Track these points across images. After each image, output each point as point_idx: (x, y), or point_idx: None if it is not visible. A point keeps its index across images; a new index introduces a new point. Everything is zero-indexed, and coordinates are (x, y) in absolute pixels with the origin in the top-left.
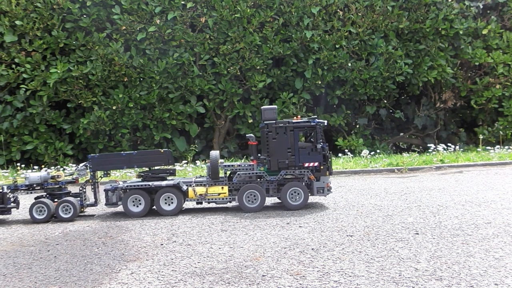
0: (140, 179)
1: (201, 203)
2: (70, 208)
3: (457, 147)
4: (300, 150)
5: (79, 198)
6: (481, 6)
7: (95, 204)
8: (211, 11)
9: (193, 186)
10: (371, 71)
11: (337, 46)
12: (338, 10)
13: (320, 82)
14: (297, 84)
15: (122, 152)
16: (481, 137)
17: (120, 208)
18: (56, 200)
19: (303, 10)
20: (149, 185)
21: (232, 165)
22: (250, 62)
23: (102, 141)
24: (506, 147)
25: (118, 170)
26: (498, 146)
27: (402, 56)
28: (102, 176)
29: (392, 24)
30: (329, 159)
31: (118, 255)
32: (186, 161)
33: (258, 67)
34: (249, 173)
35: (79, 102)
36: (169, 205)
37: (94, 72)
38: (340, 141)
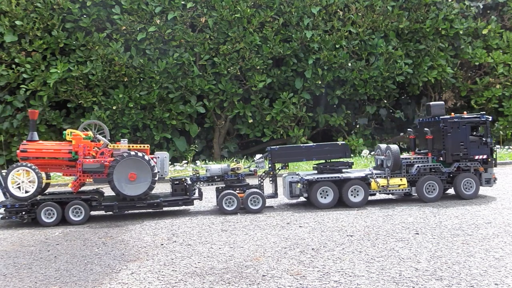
0: (315, 171)
1: (374, 194)
2: (259, 200)
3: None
4: (471, 143)
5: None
6: (481, 6)
7: (275, 195)
8: (211, 11)
9: (375, 178)
10: (371, 71)
11: (337, 46)
12: (338, 10)
13: (320, 82)
14: (297, 84)
15: (302, 144)
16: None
17: (297, 200)
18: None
19: (303, 10)
20: (338, 177)
21: (409, 158)
22: (250, 62)
23: None
24: (506, 147)
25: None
26: (498, 146)
27: (402, 56)
28: (280, 168)
29: (392, 24)
30: (495, 152)
31: (118, 255)
32: (186, 161)
33: (258, 67)
34: (426, 165)
35: (79, 102)
36: (354, 197)
37: (94, 72)
38: (340, 141)
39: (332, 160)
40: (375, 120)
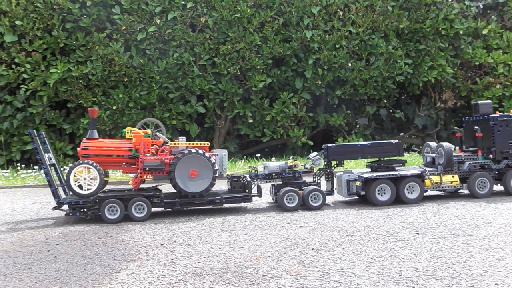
0: (369, 169)
1: (426, 191)
2: (319, 197)
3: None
4: None
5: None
6: (481, 6)
7: (332, 193)
8: (211, 11)
9: (428, 175)
10: (371, 71)
11: (337, 46)
12: (338, 10)
13: (320, 82)
14: (297, 84)
15: (357, 143)
16: None
17: (350, 198)
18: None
19: (303, 10)
20: (395, 174)
21: (460, 155)
22: (250, 62)
23: None
24: None
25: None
26: None
27: (402, 56)
28: (335, 166)
29: (392, 24)
30: None
31: (119, 255)
32: None
33: (258, 67)
34: (476, 163)
35: (79, 102)
36: (410, 193)
37: (94, 72)
38: (340, 141)
39: (385, 158)
40: (375, 120)
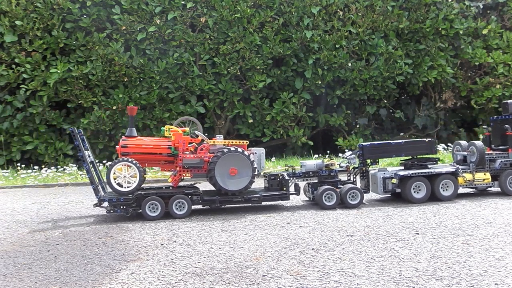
0: (402, 167)
1: (458, 188)
2: (357, 195)
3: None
4: None
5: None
6: (481, 6)
7: (367, 191)
8: (211, 11)
9: (461, 173)
10: (371, 71)
11: (337, 46)
12: (338, 10)
13: (320, 82)
14: (297, 84)
15: (391, 141)
16: (481, 137)
17: (382, 196)
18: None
19: (303, 10)
20: (431, 172)
21: (491, 154)
22: (250, 62)
23: (102, 141)
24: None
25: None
26: None
27: (402, 56)
28: (370, 164)
29: (392, 24)
30: None
31: (119, 255)
32: None
33: (258, 67)
34: (507, 160)
35: (79, 102)
36: (445, 190)
37: (94, 72)
38: (340, 141)
39: (418, 156)
40: (375, 120)
